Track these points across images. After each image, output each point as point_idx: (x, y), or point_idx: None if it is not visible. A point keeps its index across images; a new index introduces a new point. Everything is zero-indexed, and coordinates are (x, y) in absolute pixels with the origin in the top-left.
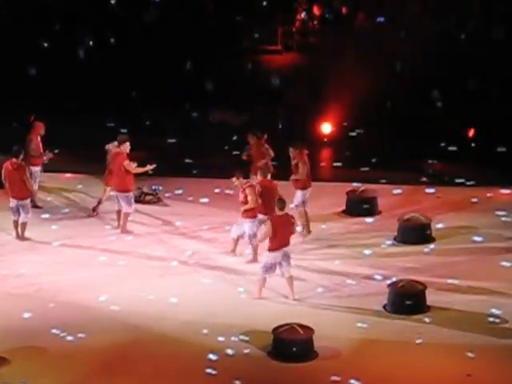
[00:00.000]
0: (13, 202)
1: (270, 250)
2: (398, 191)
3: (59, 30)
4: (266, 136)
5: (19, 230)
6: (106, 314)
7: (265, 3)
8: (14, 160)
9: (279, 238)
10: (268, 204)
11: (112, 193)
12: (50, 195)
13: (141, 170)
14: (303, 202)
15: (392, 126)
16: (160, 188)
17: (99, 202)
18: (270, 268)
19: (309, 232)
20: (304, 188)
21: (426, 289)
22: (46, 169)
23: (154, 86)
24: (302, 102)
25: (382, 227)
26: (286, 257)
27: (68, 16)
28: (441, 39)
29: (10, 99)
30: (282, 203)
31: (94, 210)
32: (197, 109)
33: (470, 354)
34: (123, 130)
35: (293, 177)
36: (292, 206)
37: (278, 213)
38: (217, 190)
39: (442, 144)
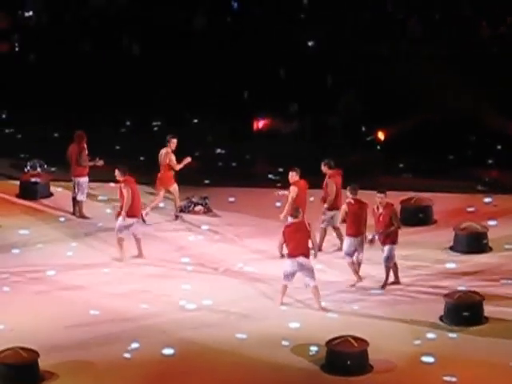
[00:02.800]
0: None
1: (287, 256)
2: (454, 200)
3: (105, 38)
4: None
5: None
6: (154, 327)
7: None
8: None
9: (293, 245)
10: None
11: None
12: (98, 205)
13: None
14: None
15: (446, 133)
16: (207, 199)
17: (178, 208)
18: (287, 275)
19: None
20: (395, 242)
21: (484, 299)
22: (94, 179)
23: (202, 93)
24: (356, 108)
25: (437, 236)
26: (304, 269)
27: (116, 22)
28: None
29: (56, 106)
30: (297, 212)
31: (177, 216)
32: (246, 117)
33: None
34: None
35: (389, 229)
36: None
37: (293, 220)
38: (267, 200)
39: (500, 150)
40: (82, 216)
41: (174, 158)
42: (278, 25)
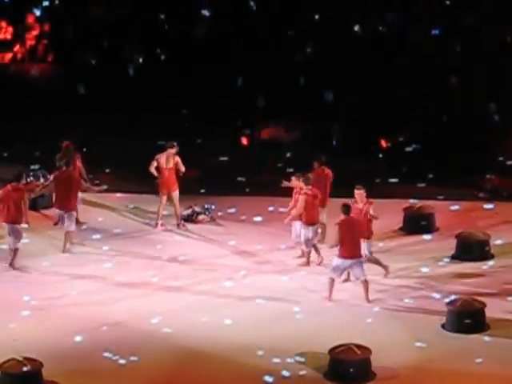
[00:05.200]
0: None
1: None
2: (456, 207)
3: (108, 47)
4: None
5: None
6: (158, 336)
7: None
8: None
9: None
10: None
11: None
12: (101, 215)
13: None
14: None
15: (448, 141)
16: (213, 207)
17: (180, 216)
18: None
19: None
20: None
21: (485, 307)
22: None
23: (204, 103)
24: (356, 116)
25: (439, 244)
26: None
27: (117, 33)
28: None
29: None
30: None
31: (180, 224)
32: (248, 126)
33: None
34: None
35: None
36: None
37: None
38: (270, 208)
39: (501, 158)
40: (77, 222)
41: (160, 161)
42: (278, 34)
